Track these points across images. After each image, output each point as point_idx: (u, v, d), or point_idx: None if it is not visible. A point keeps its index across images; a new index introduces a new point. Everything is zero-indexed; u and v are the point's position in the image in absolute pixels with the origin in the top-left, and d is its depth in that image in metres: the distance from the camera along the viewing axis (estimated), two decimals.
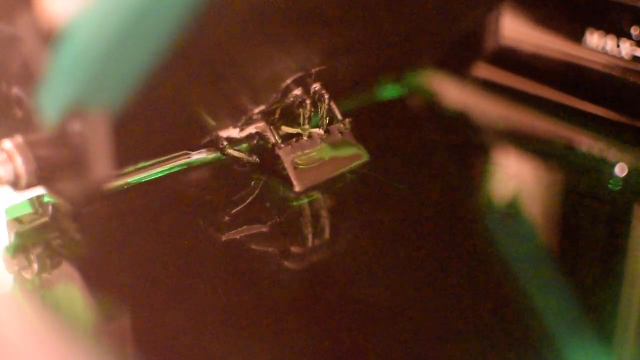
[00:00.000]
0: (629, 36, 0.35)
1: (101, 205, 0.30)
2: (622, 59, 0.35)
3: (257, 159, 0.32)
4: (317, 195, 0.32)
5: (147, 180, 0.32)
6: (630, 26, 0.35)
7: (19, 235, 0.29)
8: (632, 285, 0.28)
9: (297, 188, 0.31)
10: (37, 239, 0.29)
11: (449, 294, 0.28)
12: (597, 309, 0.27)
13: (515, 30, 0.38)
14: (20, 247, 0.28)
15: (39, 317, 0.26)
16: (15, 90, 0.27)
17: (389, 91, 0.39)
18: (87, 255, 0.29)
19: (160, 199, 0.31)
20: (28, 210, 0.30)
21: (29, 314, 0.27)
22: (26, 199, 0.30)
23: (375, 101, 0.38)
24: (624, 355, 0.26)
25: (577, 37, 0.36)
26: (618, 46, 0.35)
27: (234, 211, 0.30)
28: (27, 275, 0.28)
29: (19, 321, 0.26)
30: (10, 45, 0.26)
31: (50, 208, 0.30)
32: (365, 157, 0.33)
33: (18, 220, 0.29)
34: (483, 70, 0.39)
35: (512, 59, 0.38)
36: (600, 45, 0.36)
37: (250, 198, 0.31)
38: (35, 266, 0.28)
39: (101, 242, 0.29)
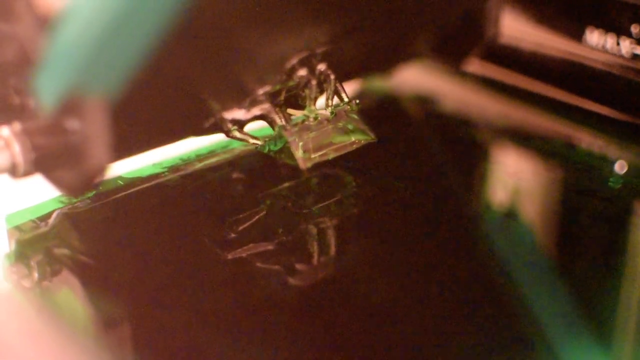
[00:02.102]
0: (629, 34, 0.35)
1: (102, 210, 0.30)
2: (622, 56, 0.35)
3: (262, 142, 0.32)
4: (324, 219, 0.31)
5: (149, 186, 0.32)
6: (631, 24, 0.35)
7: (19, 243, 0.29)
8: (632, 284, 0.28)
9: (302, 167, 0.31)
10: (37, 248, 0.29)
11: (446, 294, 0.28)
12: (597, 307, 0.27)
13: (515, 27, 0.38)
14: (21, 256, 0.29)
15: (39, 325, 0.27)
16: (13, 77, 0.27)
17: (385, 86, 0.39)
18: (87, 263, 0.29)
19: (162, 204, 0.31)
20: (29, 218, 0.30)
21: (29, 322, 0.27)
22: (27, 208, 0.30)
23: (376, 92, 0.38)
24: (623, 354, 0.26)
25: (577, 35, 0.36)
26: (618, 44, 0.35)
27: (240, 228, 0.30)
28: (27, 283, 0.28)
29: (19, 329, 0.26)
30: (7, 30, 0.26)
31: (51, 217, 0.30)
32: (372, 139, 0.33)
33: (18, 229, 0.29)
34: (482, 68, 0.39)
35: (511, 57, 0.38)
36: (600, 43, 0.36)
37: (256, 217, 0.31)
38: (36, 274, 0.28)
39: (101, 250, 0.29)
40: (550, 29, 0.37)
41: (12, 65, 0.26)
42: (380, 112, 0.38)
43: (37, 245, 0.29)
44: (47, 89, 0.25)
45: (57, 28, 0.24)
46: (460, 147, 0.37)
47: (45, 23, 0.25)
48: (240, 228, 0.30)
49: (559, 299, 0.28)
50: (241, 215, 0.31)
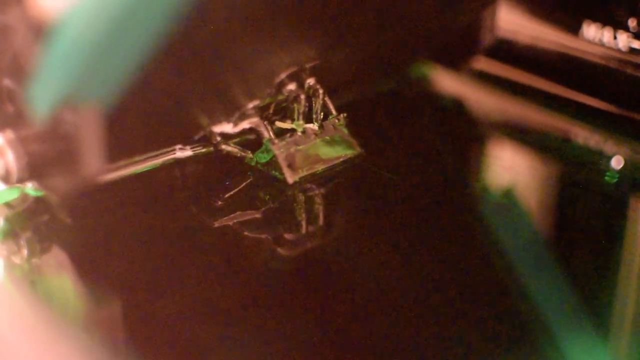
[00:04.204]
0: (626, 28, 0.35)
1: (92, 195, 0.30)
2: (619, 50, 0.35)
3: (251, 154, 0.32)
4: (312, 186, 0.31)
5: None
6: (627, 18, 0.35)
7: (8, 220, 0.29)
8: (628, 278, 0.28)
9: (289, 181, 0.31)
10: (27, 224, 0.29)
11: (443, 286, 0.28)
12: (594, 301, 0.27)
13: (512, 22, 0.38)
14: (10, 232, 0.28)
15: (28, 303, 0.26)
16: (7, 85, 0.27)
17: (385, 83, 0.39)
18: (77, 242, 0.29)
19: (152, 188, 0.31)
20: (18, 195, 0.30)
21: (19, 300, 0.27)
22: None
23: (371, 94, 0.38)
24: (621, 347, 0.26)
25: (574, 29, 0.36)
26: (615, 38, 0.35)
27: (226, 195, 0.30)
28: (17, 260, 0.28)
29: (8, 307, 0.26)
30: (1, 38, 0.26)
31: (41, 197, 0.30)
32: (358, 152, 0.33)
33: (8, 205, 0.29)
34: (480, 63, 0.39)
35: (509, 51, 0.38)
36: (597, 37, 0.36)
37: (242, 184, 0.31)
38: (25, 251, 0.28)
39: (92, 229, 0.29)
40: (547, 23, 0.37)
41: (6, 73, 0.27)
42: (379, 108, 0.38)
43: (27, 222, 0.29)
44: (41, 98, 0.26)
45: (52, 38, 0.25)
46: (456, 140, 0.37)
47: (40, 32, 0.25)
48: (227, 196, 0.30)
49: (556, 291, 0.27)
50: (228, 183, 0.31)
